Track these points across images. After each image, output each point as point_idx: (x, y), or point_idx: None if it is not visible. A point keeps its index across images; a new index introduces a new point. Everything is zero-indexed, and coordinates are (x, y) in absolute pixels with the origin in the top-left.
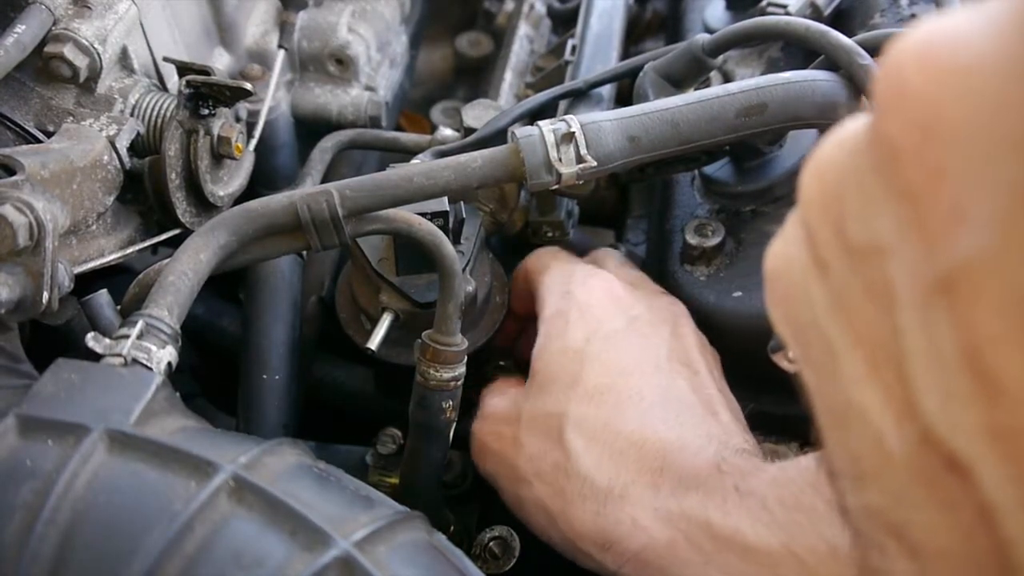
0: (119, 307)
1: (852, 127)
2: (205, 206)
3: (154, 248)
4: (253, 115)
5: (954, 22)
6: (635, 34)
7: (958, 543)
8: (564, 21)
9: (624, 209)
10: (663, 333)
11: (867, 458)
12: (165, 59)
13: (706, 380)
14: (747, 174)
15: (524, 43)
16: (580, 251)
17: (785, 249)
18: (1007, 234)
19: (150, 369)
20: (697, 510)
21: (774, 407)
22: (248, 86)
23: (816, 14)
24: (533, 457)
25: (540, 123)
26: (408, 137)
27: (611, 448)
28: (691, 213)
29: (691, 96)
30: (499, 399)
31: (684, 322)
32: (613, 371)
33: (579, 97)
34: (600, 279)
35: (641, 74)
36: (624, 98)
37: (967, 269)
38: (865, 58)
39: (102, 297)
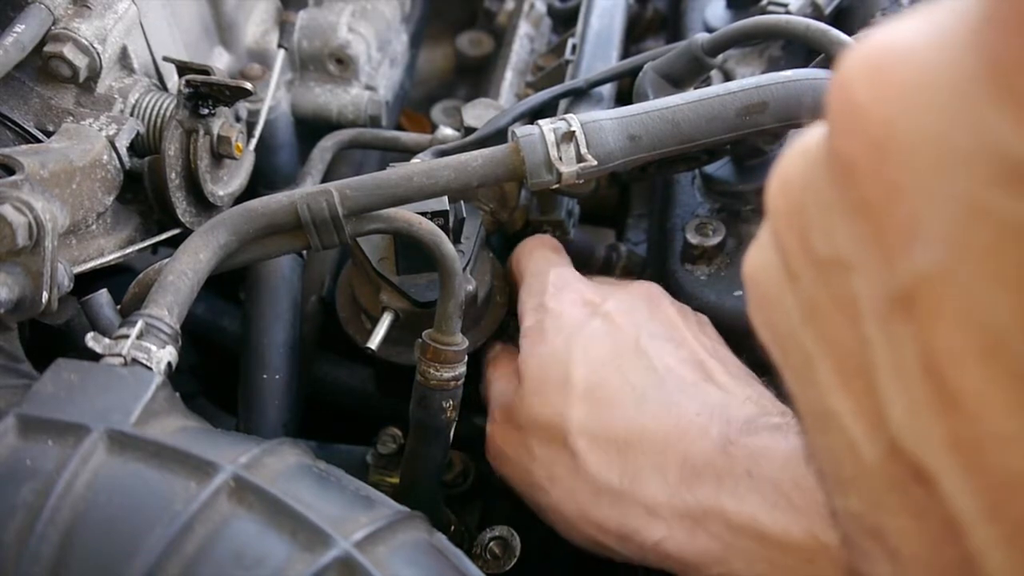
0: (119, 307)
1: (814, 136)
2: (205, 206)
3: (154, 248)
4: (253, 115)
5: (901, 33)
6: (636, 33)
7: (928, 551)
8: (564, 20)
9: (625, 208)
10: (638, 318)
11: (845, 464)
12: (165, 59)
13: (694, 347)
14: (748, 173)
15: (525, 42)
16: (581, 250)
17: (760, 256)
18: (960, 249)
19: (150, 369)
20: (710, 499)
21: None
22: (248, 86)
23: (817, 13)
24: (544, 463)
25: (540, 122)
26: (408, 136)
27: (615, 444)
28: (692, 212)
29: (692, 95)
30: (505, 398)
31: (658, 299)
32: (598, 366)
33: (579, 96)
34: (570, 290)
35: (641, 74)
36: (625, 97)
37: (924, 284)
38: None
39: (102, 297)
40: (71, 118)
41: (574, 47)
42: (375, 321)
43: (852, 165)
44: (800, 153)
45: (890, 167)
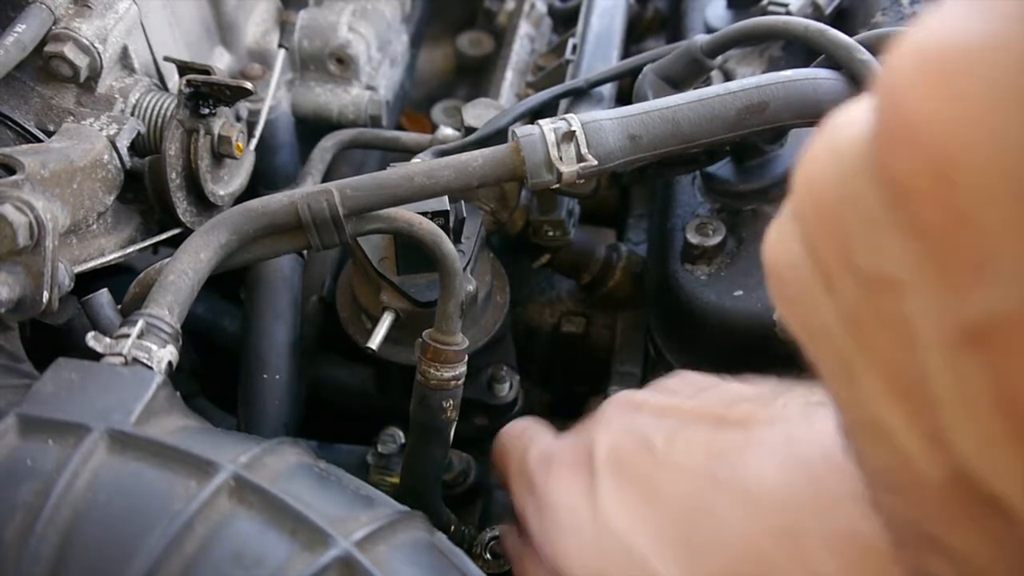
0: (119, 306)
1: (845, 129)
2: (205, 205)
3: (155, 247)
4: (254, 114)
5: (963, 30)
6: (636, 33)
7: (1003, 572)
8: (565, 20)
9: (625, 208)
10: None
11: (896, 473)
12: (166, 58)
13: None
14: (748, 173)
15: (525, 42)
16: (581, 250)
17: (784, 250)
18: None
19: (151, 368)
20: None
21: None
22: (248, 85)
23: (817, 13)
24: None
25: (541, 122)
26: (409, 136)
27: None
28: (692, 212)
29: (692, 95)
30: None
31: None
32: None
33: (580, 96)
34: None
35: (640, 76)
36: (625, 97)
37: (998, 323)
38: (865, 55)
39: (102, 296)
40: (72, 118)
41: (574, 47)
42: (375, 321)
43: (909, 188)
44: (829, 151)
45: (954, 194)
